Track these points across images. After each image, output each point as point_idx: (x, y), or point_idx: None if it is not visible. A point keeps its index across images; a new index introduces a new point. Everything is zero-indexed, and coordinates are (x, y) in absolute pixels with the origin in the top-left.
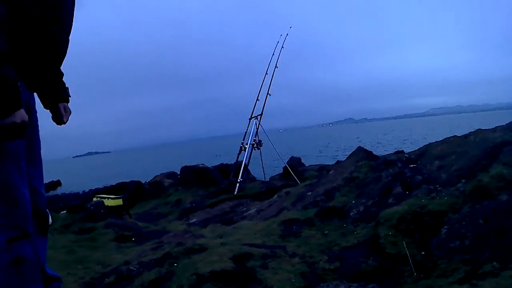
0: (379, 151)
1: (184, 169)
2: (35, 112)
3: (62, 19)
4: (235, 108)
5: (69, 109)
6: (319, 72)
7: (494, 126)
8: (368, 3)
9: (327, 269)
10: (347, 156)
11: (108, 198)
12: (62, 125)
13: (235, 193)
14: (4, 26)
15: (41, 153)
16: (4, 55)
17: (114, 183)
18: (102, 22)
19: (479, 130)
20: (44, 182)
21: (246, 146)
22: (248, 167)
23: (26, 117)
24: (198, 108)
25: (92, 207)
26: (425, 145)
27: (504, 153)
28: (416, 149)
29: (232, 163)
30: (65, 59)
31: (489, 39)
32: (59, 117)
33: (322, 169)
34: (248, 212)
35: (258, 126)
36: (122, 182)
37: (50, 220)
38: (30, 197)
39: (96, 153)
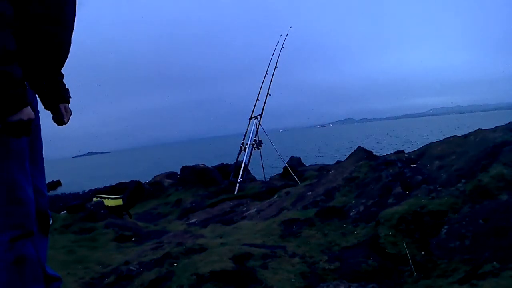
0: (379, 151)
1: (184, 169)
2: (38, 112)
3: (64, 19)
4: (233, 108)
5: (70, 109)
6: (319, 72)
7: (494, 126)
8: (368, 3)
9: (327, 269)
10: (347, 156)
11: (108, 198)
12: (63, 125)
13: (235, 193)
14: (11, 25)
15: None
16: (12, 54)
17: (114, 183)
18: (102, 22)
19: (479, 130)
20: None
21: (246, 146)
22: (248, 167)
23: (32, 115)
24: (198, 108)
25: (92, 207)
26: (425, 145)
27: (504, 153)
28: (416, 149)
29: (232, 163)
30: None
31: (489, 39)
32: (60, 118)
33: (322, 169)
34: (248, 212)
35: (258, 126)
36: (122, 182)
37: (51, 220)
38: (34, 197)
39: (96, 153)
